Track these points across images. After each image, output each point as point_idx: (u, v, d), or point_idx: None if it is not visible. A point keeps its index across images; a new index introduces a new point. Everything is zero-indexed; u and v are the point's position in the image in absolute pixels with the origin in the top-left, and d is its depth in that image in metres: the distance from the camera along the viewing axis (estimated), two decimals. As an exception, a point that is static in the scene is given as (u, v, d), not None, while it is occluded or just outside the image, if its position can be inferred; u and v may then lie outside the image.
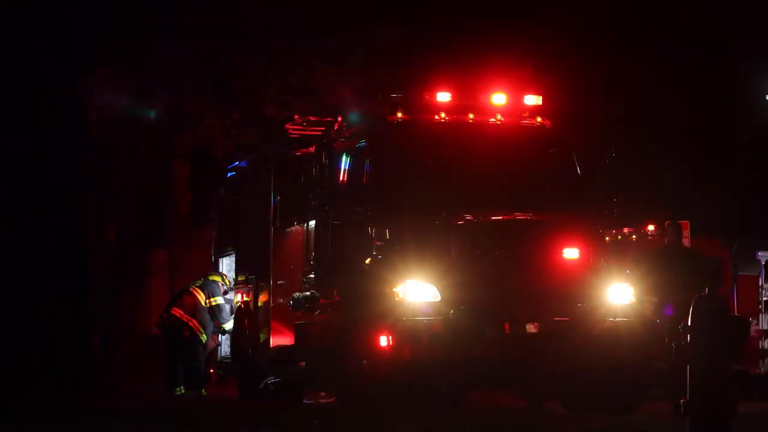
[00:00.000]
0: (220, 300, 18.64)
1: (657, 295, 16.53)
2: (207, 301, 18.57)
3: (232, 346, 19.57)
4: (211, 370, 19.82)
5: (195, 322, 18.48)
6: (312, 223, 16.16)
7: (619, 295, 14.55)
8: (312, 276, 16.22)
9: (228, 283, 19.25)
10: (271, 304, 17.85)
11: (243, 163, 20.41)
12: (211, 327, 18.77)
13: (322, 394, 17.49)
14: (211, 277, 19.05)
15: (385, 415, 13.17)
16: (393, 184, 14.89)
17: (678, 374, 10.97)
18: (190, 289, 18.75)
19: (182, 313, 18.52)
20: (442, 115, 15.53)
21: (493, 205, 14.76)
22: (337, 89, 21.64)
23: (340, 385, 14.92)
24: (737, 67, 28.41)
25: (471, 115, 15.66)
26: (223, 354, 20.00)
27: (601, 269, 14.70)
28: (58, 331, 17.10)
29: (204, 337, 18.65)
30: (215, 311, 18.57)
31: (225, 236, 20.81)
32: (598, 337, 14.23)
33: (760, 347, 22.46)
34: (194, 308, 18.50)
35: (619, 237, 22.60)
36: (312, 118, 17.22)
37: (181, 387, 18.49)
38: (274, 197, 18.04)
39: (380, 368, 13.82)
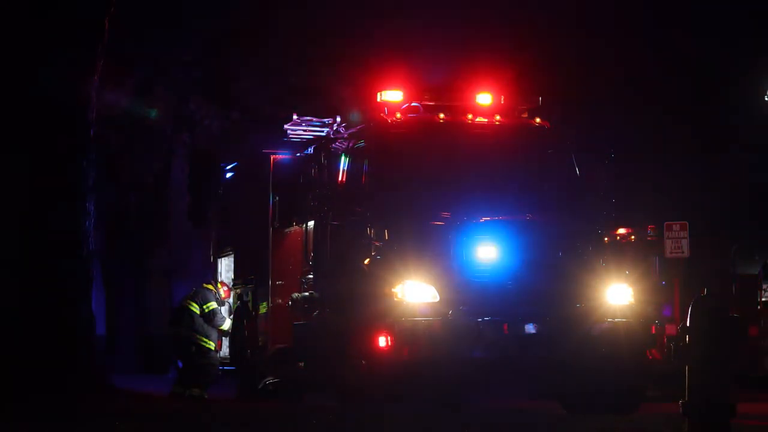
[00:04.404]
0: (213, 305, 18.88)
1: None
2: (201, 308, 18.79)
3: (231, 346, 19.60)
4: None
5: (197, 335, 18.77)
6: (311, 223, 16.17)
7: (618, 295, 14.55)
8: (311, 276, 16.23)
9: (223, 294, 19.31)
10: (270, 305, 17.86)
11: (242, 163, 20.42)
12: (215, 333, 18.96)
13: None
14: (205, 286, 19.26)
15: (385, 416, 13.17)
16: (392, 184, 14.88)
17: (677, 375, 10.98)
18: (184, 304, 18.99)
19: (183, 330, 18.77)
20: (441, 115, 15.53)
21: (492, 206, 14.75)
22: (336, 90, 21.65)
23: (339, 386, 14.93)
24: (737, 67, 28.41)
25: (470, 116, 15.66)
26: (222, 354, 20.02)
27: (600, 270, 14.70)
28: (57, 331, 17.08)
29: (212, 344, 18.88)
30: (210, 316, 18.78)
31: (224, 237, 20.83)
32: (597, 338, 14.23)
33: (759, 348, 22.45)
34: (192, 322, 18.80)
35: (618, 237, 22.60)
36: (311, 119, 17.22)
37: (182, 388, 18.58)
38: (273, 198, 18.05)
39: (379, 369, 13.82)
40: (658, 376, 15.20)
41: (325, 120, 16.89)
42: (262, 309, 18.21)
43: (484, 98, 15.79)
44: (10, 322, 16.65)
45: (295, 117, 17.20)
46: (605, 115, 27.27)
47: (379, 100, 15.49)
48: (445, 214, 14.60)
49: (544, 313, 14.18)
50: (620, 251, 21.01)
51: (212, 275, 20.59)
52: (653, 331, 14.65)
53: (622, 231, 22.71)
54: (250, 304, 18.82)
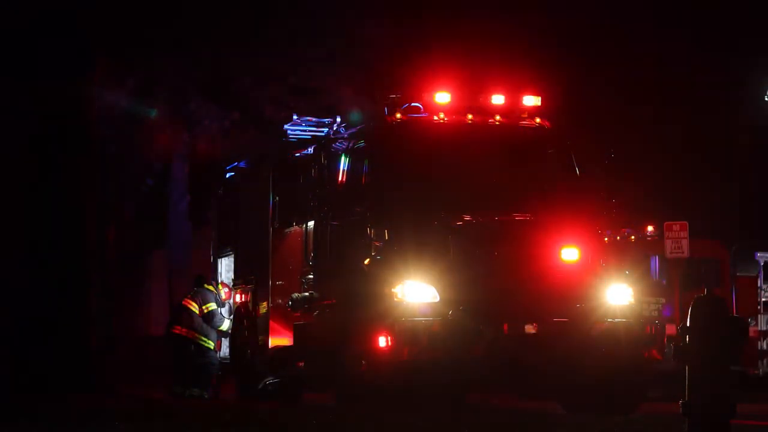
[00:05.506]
0: (212, 306, 18.92)
1: None
2: (201, 309, 18.83)
3: (231, 347, 19.60)
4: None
5: (196, 334, 18.82)
6: (311, 223, 16.17)
7: (618, 295, 14.54)
8: (311, 276, 16.23)
9: (223, 295, 19.32)
10: (270, 305, 17.86)
11: (242, 164, 20.42)
12: (214, 333, 18.98)
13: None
14: (205, 286, 19.28)
15: (384, 416, 13.16)
16: (392, 184, 14.88)
17: (677, 375, 10.97)
18: (184, 302, 19.05)
19: (182, 329, 18.83)
20: (441, 115, 15.52)
21: (492, 206, 14.75)
22: (335, 90, 21.65)
23: (339, 386, 14.93)
24: (737, 67, 28.42)
25: (470, 116, 15.65)
26: (222, 355, 20.03)
27: (600, 270, 14.69)
28: (57, 331, 17.10)
29: (211, 344, 18.91)
30: (209, 317, 18.83)
31: (224, 237, 20.82)
32: (597, 338, 14.23)
33: (759, 348, 22.47)
34: (191, 321, 18.85)
35: (618, 237, 22.61)
36: (311, 119, 17.23)
37: (183, 388, 18.61)
38: (273, 198, 18.05)
39: (379, 369, 13.82)
40: (658, 376, 15.17)
41: (325, 120, 16.90)
42: (262, 309, 18.21)
43: (486, 98, 15.75)
44: (11, 322, 16.68)
45: (295, 117, 17.20)
46: (605, 115, 27.28)
47: (378, 99, 15.50)
48: (445, 214, 14.60)
49: (544, 313, 14.17)
50: (620, 251, 21.02)
51: (212, 275, 20.60)
52: (648, 331, 14.56)
53: (622, 231, 22.73)
54: (250, 305, 18.82)
